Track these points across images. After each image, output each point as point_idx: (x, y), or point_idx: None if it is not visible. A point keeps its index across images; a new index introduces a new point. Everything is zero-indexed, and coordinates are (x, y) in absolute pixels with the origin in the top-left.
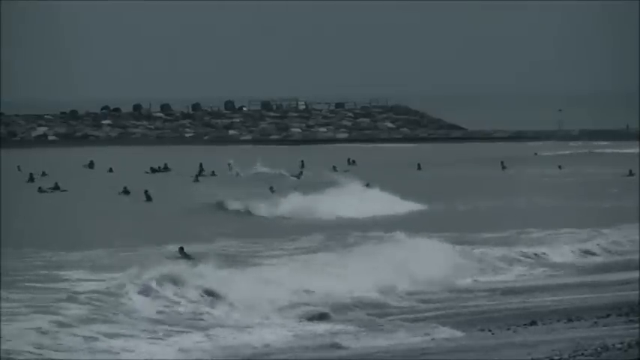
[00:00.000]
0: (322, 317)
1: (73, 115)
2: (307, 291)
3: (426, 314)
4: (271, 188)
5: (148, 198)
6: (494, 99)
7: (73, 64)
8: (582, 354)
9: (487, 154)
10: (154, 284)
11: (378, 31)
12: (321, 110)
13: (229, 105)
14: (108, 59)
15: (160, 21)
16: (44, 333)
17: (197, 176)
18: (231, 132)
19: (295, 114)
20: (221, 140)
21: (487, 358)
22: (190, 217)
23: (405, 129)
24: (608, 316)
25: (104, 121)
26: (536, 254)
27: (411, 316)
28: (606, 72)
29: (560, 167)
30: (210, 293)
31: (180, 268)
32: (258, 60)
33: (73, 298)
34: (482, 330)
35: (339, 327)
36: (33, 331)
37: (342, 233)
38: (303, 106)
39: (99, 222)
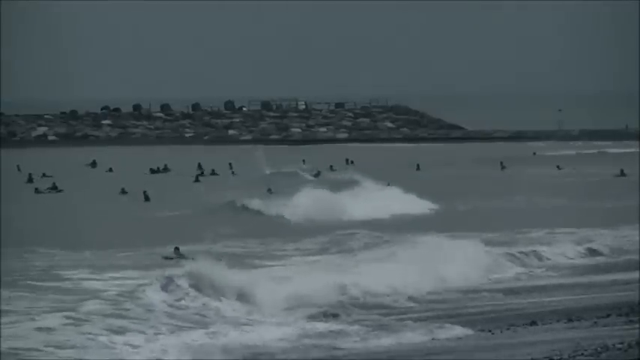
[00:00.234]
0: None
1: (73, 115)
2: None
3: (426, 314)
4: (269, 190)
5: (146, 198)
6: (494, 99)
7: (73, 64)
8: (582, 354)
9: (487, 154)
10: (169, 284)
11: (378, 31)
12: (321, 110)
13: (229, 105)
14: (108, 59)
15: (160, 21)
16: (53, 330)
17: (197, 177)
18: (231, 132)
19: (295, 114)
20: (221, 140)
21: (487, 358)
22: (207, 217)
23: (405, 129)
24: (608, 316)
25: (104, 121)
26: (536, 254)
27: (414, 315)
28: (606, 72)
29: (558, 167)
30: (222, 292)
31: (199, 266)
32: (258, 60)
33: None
34: (483, 330)
35: (339, 327)
36: (44, 330)
37: (370, 234)
38: (303, 106)
39: (96, 223)
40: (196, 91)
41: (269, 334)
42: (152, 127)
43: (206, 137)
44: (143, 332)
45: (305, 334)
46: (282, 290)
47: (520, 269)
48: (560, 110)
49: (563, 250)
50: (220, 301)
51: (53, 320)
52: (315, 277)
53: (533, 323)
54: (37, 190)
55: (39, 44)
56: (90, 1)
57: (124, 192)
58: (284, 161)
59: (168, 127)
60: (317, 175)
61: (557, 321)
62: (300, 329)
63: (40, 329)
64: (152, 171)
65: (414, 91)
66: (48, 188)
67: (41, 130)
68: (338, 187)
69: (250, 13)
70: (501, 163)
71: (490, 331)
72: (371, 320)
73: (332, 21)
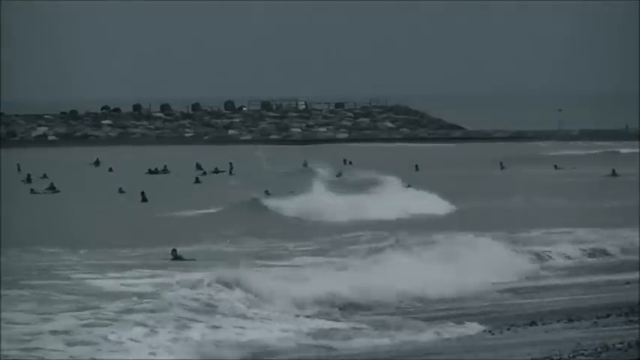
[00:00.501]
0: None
1: (73, 115)
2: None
3: (427, 314)
4: (266, 192)
5: (144, 199)
6: (494, 99)
7: (72, 64)
8: (582, 354)
9: (487, 154)
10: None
11: (378, 31)
12: (321, 110)
13: (229, 105)
14: (107, 59)
15: (160, 21)
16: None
17: (197, 178)
18: (230, 132)
19: (295, 114)
20: (221, 140)
21: (487, 358)
22: (228, 214)
23: (405, 129)
24: (608, 316)
25: (104, 121)
26: (535, 254)
27: (415, 316)
28: (606, 72)
29: (556, 167)
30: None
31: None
32: (258, 60)
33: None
34: (483, 330)
35: (340, 325)
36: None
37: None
38: (303, 106)
39: (93, 223)
40: (196, 91)
41: (284, 332)
42: (152, 127)
43: (206, 137)
44: (163, 327)
45: (323, 333)
46: (301, 289)
47: (524, 268)
48: (560, 110)
49: (564, 249)
50: (248, 302)
51: (69, 321)
52: (338, 277)
53: (533, 323)
54: (32, 191)
55: (39, 44)
56: (90, 1)
57: (121, 191)
58: (285, 161)
59: (168, 127)
60: (339, 175)
61: (557, 321)
62: (317, 328)
63: (55, 332)
64: (150, 171)
65: (414, 91)
66: (45, 189)
67: (41, 130)
68: (359, 187)
69: (250, 13)
70: (501, 163)
71: (490, 331)
72: (373, 320)
73: (332, 21)
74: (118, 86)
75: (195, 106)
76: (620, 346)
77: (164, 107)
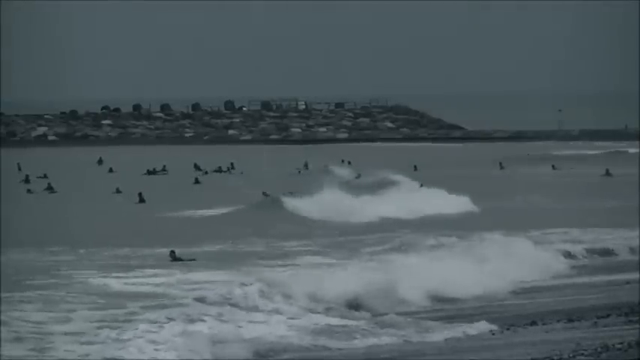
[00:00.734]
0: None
1: (73, 115)
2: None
3: (426, 314)
4: (264, 193)
5: (141, 199)
6: (495, 99)
7: (72, 64)
8: (582, 354)
9: (487, 154)
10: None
11: (378, 31)
12: (321, 110)
13: (229, 105)
14: (107, 59)
15: (160, 21)
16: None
17: (197, 179)
18: (230, 132)
19: (295, 114)
20: (221, 140)
21: (487, 358)
22: (246, 214)
23: (405, 129)
24: (608, 316)
25: (104, 121)
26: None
27: (416, 316)
28: (606, 72)
29: (553, 167)
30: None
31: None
32: (258, 60)
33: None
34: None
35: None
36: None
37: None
38: (303, 106)
39: (90, 224)
40: (196, 91)
41: (294, 330)
42: (152, 127)
43: (206, 137)
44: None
45: (339, 332)
46: (324, 287)
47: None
48: (560, 110)
49: (564, 249)
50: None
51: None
52: (359, 277)
53: (533, 323)
54: (29, 191)
55: (39, 44)
56: (90, 1)
57: (118, 191)
58: (288, 161)
59: (168, 127)
60: (358, 177)
61: (557, 321)
62: (334, 325)
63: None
64: (149, 172)
65: (414, 91)
66: (44, 189)
67: (41, 130)
68: (378, 187)
69: (250, 13)
70: (500, 163)
71: (490, 331)
72: (376, 319)
73: (332, 21)
74: (118, 86)
75: (195, 106)
76: (620, 346)
77: (164, 107)
